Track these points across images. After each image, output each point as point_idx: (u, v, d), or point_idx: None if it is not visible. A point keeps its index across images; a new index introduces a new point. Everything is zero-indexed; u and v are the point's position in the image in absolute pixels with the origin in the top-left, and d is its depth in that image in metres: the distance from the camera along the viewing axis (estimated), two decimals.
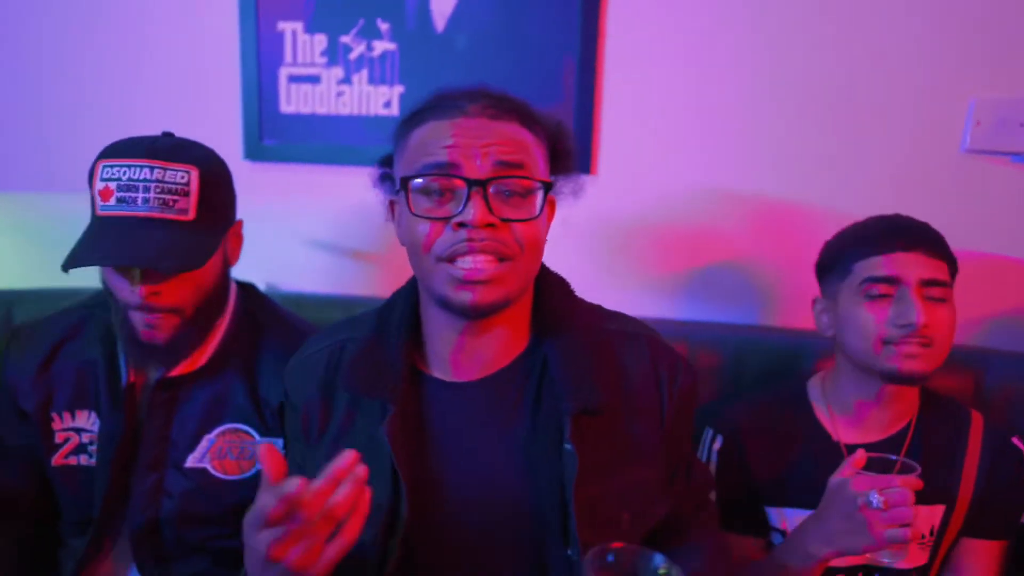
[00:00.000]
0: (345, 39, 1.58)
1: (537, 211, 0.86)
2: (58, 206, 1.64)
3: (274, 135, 1.64)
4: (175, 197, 1.07)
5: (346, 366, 0.94)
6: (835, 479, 0.98)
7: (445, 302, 0.86)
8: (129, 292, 1.08)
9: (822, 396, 1.20)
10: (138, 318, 1.10)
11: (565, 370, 0.89)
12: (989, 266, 1.43)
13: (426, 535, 0.89)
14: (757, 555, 1.17)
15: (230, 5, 1.58)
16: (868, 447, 1.14)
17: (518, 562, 0.89)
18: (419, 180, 0.85)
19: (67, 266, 1.05)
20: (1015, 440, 1.14)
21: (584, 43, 1.49)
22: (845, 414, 1.18)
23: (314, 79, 1.61)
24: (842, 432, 1.17)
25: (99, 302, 1.23)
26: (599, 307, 1.00)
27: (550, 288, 0.96)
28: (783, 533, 1.17)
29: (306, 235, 1.66)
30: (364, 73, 1.59)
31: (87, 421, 1.17)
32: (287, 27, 1.59)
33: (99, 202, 1.08)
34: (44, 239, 1.66)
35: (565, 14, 1.49)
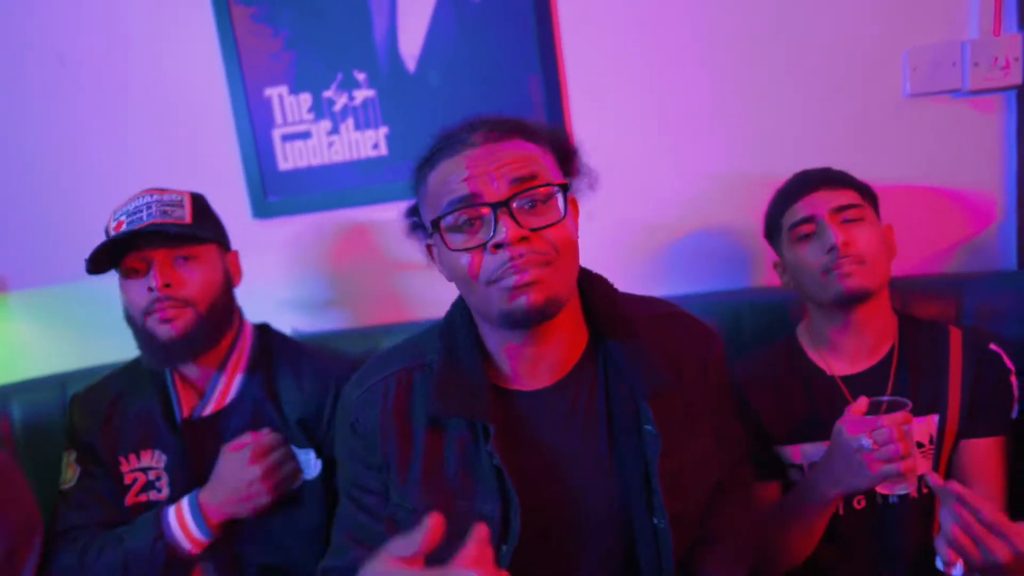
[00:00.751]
0: (328, 94, 1.71)
1: (561, 213, 0.91)
2: (92, 291, 1.75)
3: (277, 192, 1.77)
4: (173, 208, 1.25)
5: (431, 391, 0.97)
6: (836, 426, 1.09)
7: (505, 316, 0.90)
8: (145, 292, 1.21)
9: (809, 339, 1.32)
10: (155, 320, 1.22)
11: (632, 360, 0.97)
12: (949, 198, 1.54)
13: (534, 535, 0.95)
14: (776, 496, 1.28)
15: (219, 81, 1.72)
16: (859, 375, 1.26)
17: (609, 535, 0.98)
18: (448, 218, 0.90)
19: (90, 264, 1.20)
20: (993, 346, 1.23)
21: (544, 60, 1.62)
22: (829, 349, 1.29)
23: (305, 135, 1.74)
24: (834, 366, 1.28)
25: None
26: (633, 295, 1.07)
27: (594, 286, 1.02)
28: (800, 468, 1.27)
29: (321, 276, 1.79)
30: (350, 121, 1.72)
31: (152, 459, 1.29)
32: (273, 92, 1.73)
33: (111, 235, 1.23)
34: (87, 322, 1.81)
35: (522, 35, 1.62)
